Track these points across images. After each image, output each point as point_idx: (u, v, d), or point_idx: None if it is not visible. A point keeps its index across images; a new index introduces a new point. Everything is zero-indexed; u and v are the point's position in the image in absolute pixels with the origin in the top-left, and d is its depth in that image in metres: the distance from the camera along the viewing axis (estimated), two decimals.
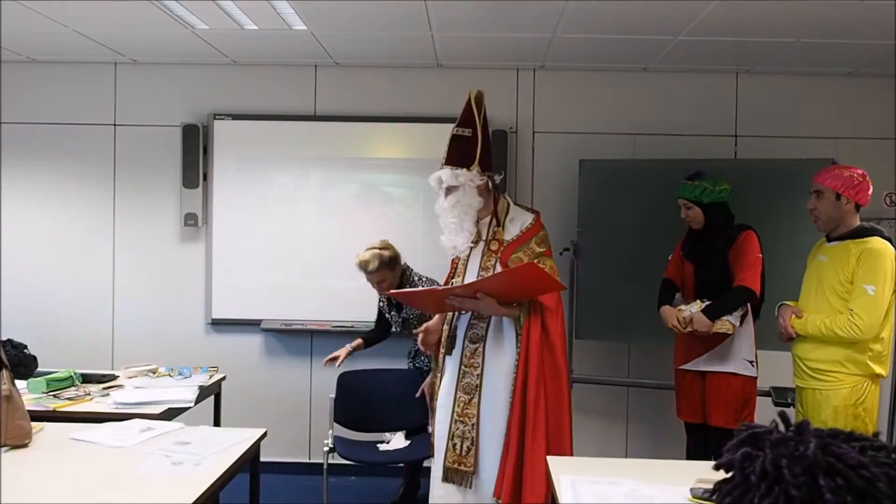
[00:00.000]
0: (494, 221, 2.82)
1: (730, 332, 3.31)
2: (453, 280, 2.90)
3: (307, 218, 4.56)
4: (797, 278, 3.12)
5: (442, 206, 2.79)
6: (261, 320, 4.54)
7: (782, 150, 4.36)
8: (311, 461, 4.60)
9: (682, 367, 3.50)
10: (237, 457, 2.33)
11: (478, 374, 2.78)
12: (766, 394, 3.92)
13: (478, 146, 2.73)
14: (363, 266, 3.63)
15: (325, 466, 3.70)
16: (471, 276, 2.81)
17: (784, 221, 3.87)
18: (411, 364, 3.96)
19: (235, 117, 4.52)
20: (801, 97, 4.48)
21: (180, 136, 4.50)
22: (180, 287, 4.61)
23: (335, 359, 3.78)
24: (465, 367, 2.82)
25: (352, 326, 4.42)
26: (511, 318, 2.75)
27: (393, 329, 3.93)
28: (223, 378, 3.75)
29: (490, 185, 2.79)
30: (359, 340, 3.92)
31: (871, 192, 2.94)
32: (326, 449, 3.70)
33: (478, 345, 2.80)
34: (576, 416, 4.25)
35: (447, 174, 2.74)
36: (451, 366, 2.87)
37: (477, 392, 2.77)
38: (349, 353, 3.82)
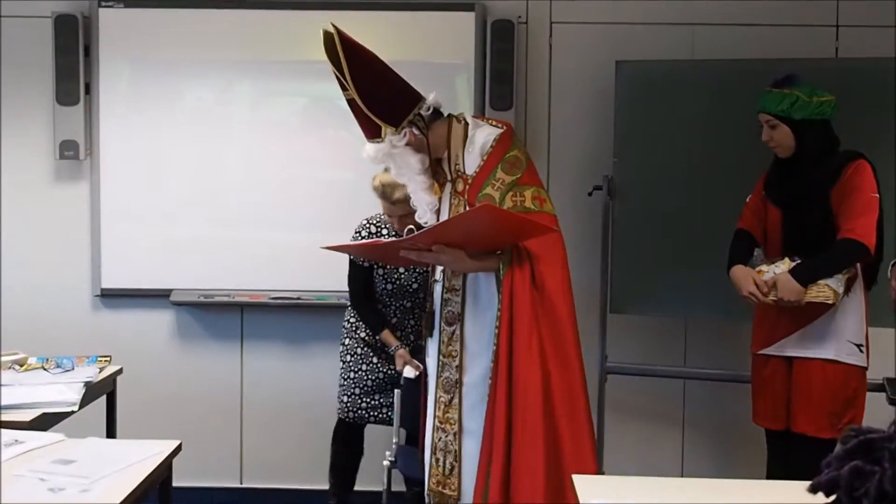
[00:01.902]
0: (456, 156, 2.98)
1: (830, 302, 3.27)
2: None
3: (234, 146, 4.56)
4: None
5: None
6: (170, 290, 4.56)
7: None
8: (244, 485, 4.64)
9: (761, 353, 3.51)
10: (140, 480, 2.33)
11: (456, 367, 2.91)
12: (879, 388, 3.93)
13: (363, 108, 2.88)
14: (388, 191, 3.70)
15: (384, 496, 3.71)
16: None
17: None
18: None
19: (129, 3, 4.48)
20: None
21: (51, 31, 4.45)
22: (55, 244, 4.60)
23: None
24: (444, 357, 2.95)
25: (298, 298, 4.46)
26: (488, 274, 2.87)
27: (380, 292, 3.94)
28: (119, 371, 3.75)
29: (418, 127, 2.94)
30: (400, 350, 3.89)
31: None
32: (387, 463, 3.70)
33: (454, 326, 2.94)
34: (612, 418, 4.41)
35: (368, 155, 2.96)
36: (432, 354, 3.02)
37: (457, 390, 2.90)
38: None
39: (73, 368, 3.56)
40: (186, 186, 4.55)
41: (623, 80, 4.26)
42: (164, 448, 2.58)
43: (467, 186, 2.94)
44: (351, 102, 2.93)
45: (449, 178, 3.01)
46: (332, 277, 4.22)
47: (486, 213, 2.78)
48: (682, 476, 4.32)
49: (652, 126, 4.25)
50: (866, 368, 3.41)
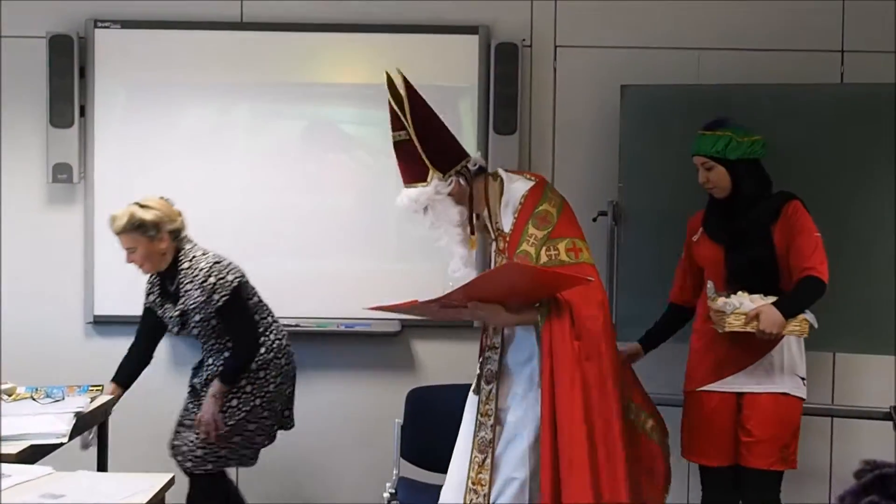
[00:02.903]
0: (495, 213, 3.03)
1: (806, 335, 3.41)
2: None
3: (232, 170, 4.55)
4: None
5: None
6: None
7: None
8: None
9: (705, 389, 3.57)
10: None
11: (491, 426, 2.95)
12: (886, 416, 4.02)
13: (419, 148, 2.91)
14: (110, 224, 3.74)
15: None
16: None
17: None
18: (198, 383, 3.91)
19: (126, 24, 4.48)
20: None
21: (45, 52, 4.44)
22: (47, 270, 4.56)
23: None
24: (481, 416, 2.99)
25: (297, 325, 4.41)
26: (526, 329, 2.92)
27: (171, 329, 3.90)
28: (112, 401, 3.72)
29: (465, 179, 2.97)
30: (111, 386, 3.85)
31: None
32: (388, 495, 3.68)
33: (492, 385, 2.99)
34: None
35: (408, 198, 2.95)
36: (470, 410, 3.04)
37: (490, 449, 2.93)
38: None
39: (63, 398, 3.53)
40: (182, 211, 4.44)
41: (628, 104, 4.27)
42: (156, 482, 2.55)
43: (506, 244, 2.97)
44: (399, 144, 2.95)
45: (492, 236, 3.05)
46: (332, 304, 4.26)
47: (511, 270, 2.86)
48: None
49: (657, 151, 4.24)
50: (804, 400, 3.56)
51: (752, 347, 3.43)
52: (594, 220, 4.28)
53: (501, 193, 3.01)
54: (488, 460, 2.93)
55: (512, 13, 4.51)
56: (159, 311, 3.89)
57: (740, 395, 3.51)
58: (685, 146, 4.16)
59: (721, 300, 3.43)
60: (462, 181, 2.95)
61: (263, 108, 4.58)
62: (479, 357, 3.09)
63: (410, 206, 2.95)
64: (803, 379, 3.52)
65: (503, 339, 2.99)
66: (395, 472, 3.77)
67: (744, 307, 3.38)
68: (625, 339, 4.25)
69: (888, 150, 3.94)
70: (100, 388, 3.71)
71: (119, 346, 4.45)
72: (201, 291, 3.69)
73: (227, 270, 3.74)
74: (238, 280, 3.74)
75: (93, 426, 3.60)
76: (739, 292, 3.44)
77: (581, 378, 2.76)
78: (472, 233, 3.00)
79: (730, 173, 3.49)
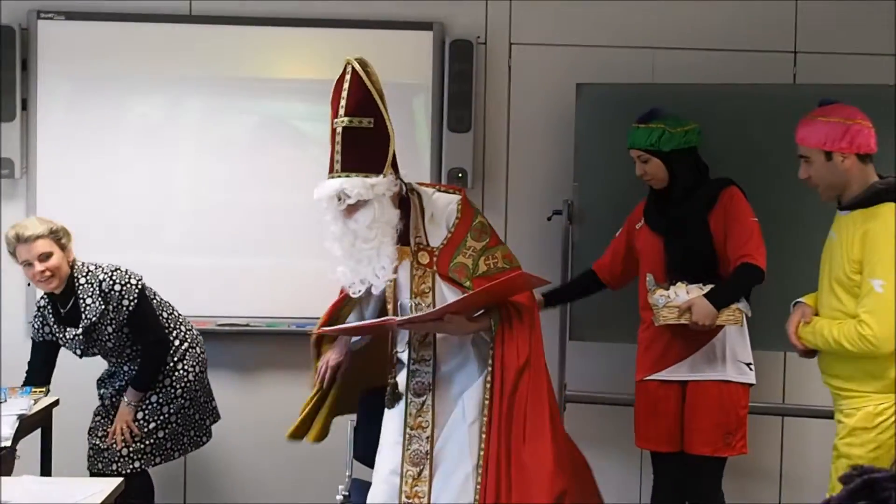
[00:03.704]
0: (416, 228, 3.01)
1: (740, 324, 3.51)
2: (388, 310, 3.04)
3: (180, 165, 4.49)
4: None
5: (342, 231, 2.89)
6: None
7: (860, 71, 4.39)
8: None
9: (652, 378, 3.65)
10: None
11: (427, 438, 2.98)
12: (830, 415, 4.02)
13: (390, 141, 2.89)
14: (18, 234, 3.62)
15: None
16: (406, 305, 2.99)
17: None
18: (109, 394, 3.90)
19: (71, 16, 4.41)
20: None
21: None
22: None
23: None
24: (411, 429, 3.00)
25: (247, 325, 4.39)
26: (462, 340, 3.00)
27: (75, 352, 3.86)
28: (55, 403, 3.71)
29: (404, 185, 2.98)
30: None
31: (871, 130, 2.99)
32: (341, 498, 3.59)
33: (424, 397, 3.01)
34: None
35: (357, 185, 2.82)
36: (393, 425, 3.04)
37: (427, 461, 2.95)
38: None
39: (5, 400, 3.49)
40: (130, 208, 4.45)
41: (584, 103, 4.29)
42: (105, 487, 2.51)
43: (434, 258, 2.97)
44: (355, 130, 2.86)
45: (411, 249, 3.01)
46: (284, 303, 4.23)
47: (519, 280, 2.93)
48: None
49: (612, 150, 4.18)
50: (753, 385, 3.64)
51: (694, 337, 3.51)
52: (549, 219, 4.31)
53: (422, 208, 3.01)
54: (425, 472, 2.95)
55: (467, 10, 4.49)
56: (58, 338, 3.82)
57: (685, 383, 3.59)
58: None
59: (657, 294, 3.51)
60: (403, 187, 2.96)
61: (213, 103, 4.52)
62: (392, 372, 3.10)
63: (358, 192, 2.82)
64: (749, 364, 3.59)
65: (435, 351, 3.01)
66: (347, 473, 3.69)
67: (678, 300, 3.47)
68: (579, 339, 4.33)
69: None
70: (43, 390, 3.68)
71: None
72: (107, 301, 3.69)
73: (128, 275, 3.77)
74: (140, 282, 3.78)
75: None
76: (678, 283, 3.51)
77: (535, 364, 2.93)
78: (408, 242, 2.97)
79: (665, 164, 3.56)
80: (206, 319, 4.40)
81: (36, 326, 3.85)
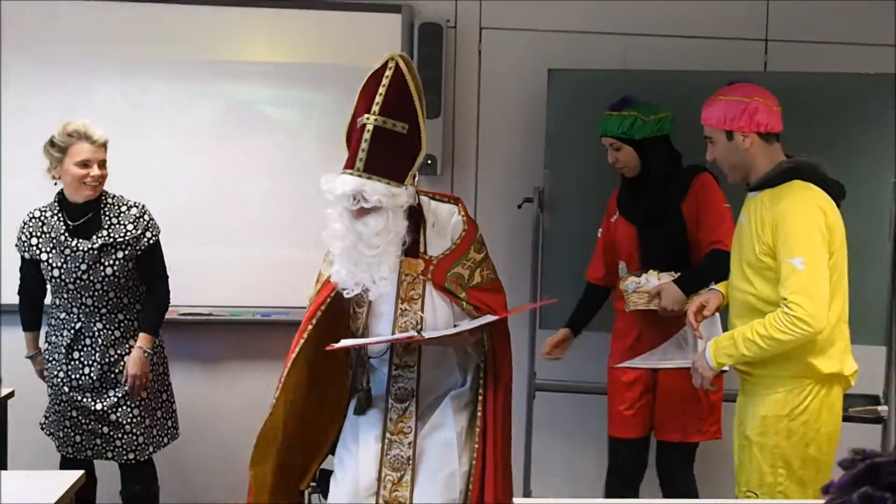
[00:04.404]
0: (418, 236, 2.98)
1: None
2: (358, 315, 3.03)
3: (144, 151, 4.43)
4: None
5: (346, 230, 2.80)
6: None
7: (830, 60, 4.43)
8: None
9: (623, 365, 3.69)
10: None
11: (409, 443, 2.97)
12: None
13: (421, 151, 2.83)
14: (86, 132, 3.62)
15: None
16: (387, 310, 2.97)
17: (835, 157, 3.75)
18: (66, 371, 3.75)
19: None
20: None
21: None
22: None
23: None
24: (392, 434, 3.00)
25: (209, 315, 4.37)
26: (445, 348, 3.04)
27: (78, 267, 3.68)
28: (10, 395, 3.70)
29: (417, 199, 2.94)
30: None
31: (775, 108, 2.97)
32: (309, 488, 3.48)
33: (406, 403, 3.02)
34: (540, 436, 4.37)
35: (380, 191, 2.74)
36: (368, 432, 3.01)
37: (409, 466, 2.96)
38: None
39: None
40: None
41: (555, 89, 4.29)
42: (65, 480, 2.47)
43: (431, 267, 2.96)
44: (387, 133, 2.78)
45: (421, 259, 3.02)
46: (248, 293, 4.21)
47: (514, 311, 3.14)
48: (603, 496, 4.21)
49: (584, 137, 4.18)
50: (726, 371, 3.59)
51: (665, 324, 3.55)
52: (519, 206, 4.31)
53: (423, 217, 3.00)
54: (406, 477, 2.95)
55: None
56: (60, 250, 3.67)
57: (657, 370, 3.64)
58: None
59: (629, 280, 3.57)
60: (417, 198, 2.93)
61: (178, 87, 4.48)
62: (362, 379, 3.09)
63: (376, 197, 2.75)
64: None
65: (419, 358, 3.02)
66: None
67: (648, 285, 3.51)
68: (549, 327, 4.30)
69: (810, 138, 3.96)
70: None
71: (15, 337, 4.21)
72: (135, 226, 3.69)
73: (152, 215, 3.80)
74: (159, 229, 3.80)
75: None
76: (651, 271, 3.55)
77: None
78: (417, 255, 2.95)
79: (638, 152, 3.59)
80: (172, 307, 4.25)
81: (23, 239, 3.77)
